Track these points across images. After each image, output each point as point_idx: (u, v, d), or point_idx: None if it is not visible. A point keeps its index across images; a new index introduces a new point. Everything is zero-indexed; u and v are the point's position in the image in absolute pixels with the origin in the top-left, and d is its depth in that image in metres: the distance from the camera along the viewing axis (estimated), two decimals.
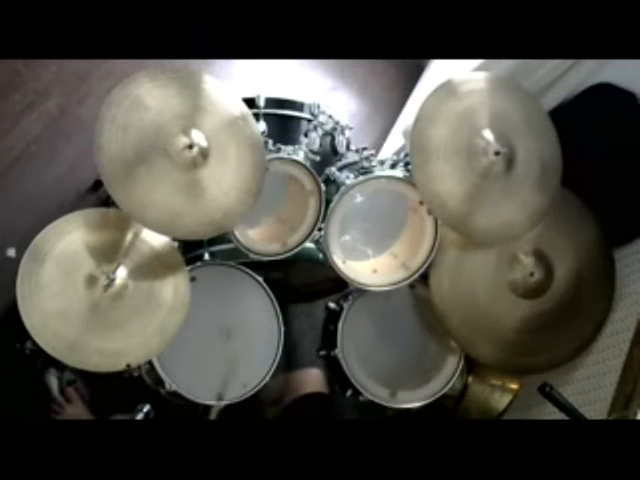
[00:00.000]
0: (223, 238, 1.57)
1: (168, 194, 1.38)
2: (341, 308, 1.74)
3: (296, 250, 1.60)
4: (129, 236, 1.48)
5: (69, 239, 1.45)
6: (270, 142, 1.55)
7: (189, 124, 1.39)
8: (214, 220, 1.44)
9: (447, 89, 1.47)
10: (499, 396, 1.82)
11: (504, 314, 1.60)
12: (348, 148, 1.76)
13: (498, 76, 1.53)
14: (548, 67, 1.64)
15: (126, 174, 1.34)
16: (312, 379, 1.81)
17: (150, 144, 1.36)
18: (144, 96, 1.36)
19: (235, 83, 2.30)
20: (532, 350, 1.61)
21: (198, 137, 1.38)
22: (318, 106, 1.75)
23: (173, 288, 1.51)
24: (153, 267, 1.50)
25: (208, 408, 1.62)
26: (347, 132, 1.78)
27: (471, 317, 1.61)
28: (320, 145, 1.68)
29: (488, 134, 1.46)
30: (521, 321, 1.60)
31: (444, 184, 1.46)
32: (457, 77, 1.48)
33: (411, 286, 1.71)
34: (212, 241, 1.64)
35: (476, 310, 1.60)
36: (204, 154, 1.39)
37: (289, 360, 1.81)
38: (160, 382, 1.57)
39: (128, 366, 1.45)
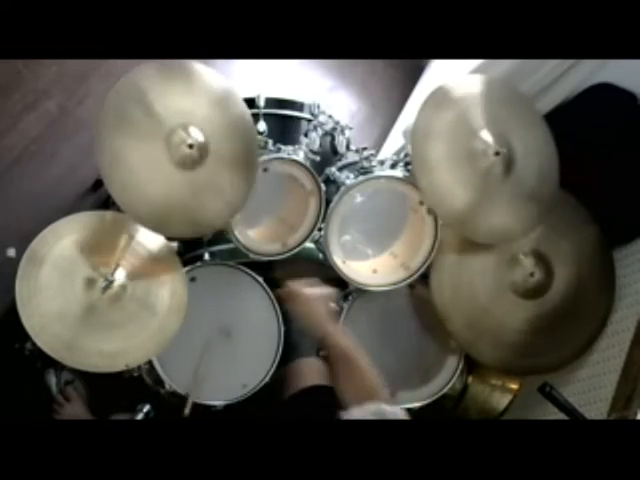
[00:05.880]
0: (223, 238, 1.57)
1: (165, 190, 1.38)
2: (341, 308, 1.74)
3: (296, 250, 1.60)
4: (126, 238, 1.48)
5: (67, 241, 1.45)
6: (270, 142, 1.55)
7: (186, 120, 1.38)
8: (210, 217, 1.44)
9: (436, 100, 1.47)
10: (499, 396, 1.82)
11: (506, 315, 1.60)
12: (348, 148, 1.76)
13: (487, 78, 1.53)
14: (548, 67, 1.64)
15: (124, 169, 1.34)
16: (312, 371, 1.79)
17: (149, 141, 1.36)
18: (146, 91, 1.37)
19: (235, 83, 2.29)
20: (535, 351, 1.61)
21: (196, 134, 1.38)
22: (318, 106, 1.75)
23: (171, 290, 1.51)
24: (151, 269, 1.51)
25: (208, 407, 1.62)
26: (347, 132, 1.78)
27: (473, 319, 1.61)
28: (320, 145, 1.68)
29: (486, 136, 1.46)
30: (523, 322, 1.60)
31: (449, 193, 1.47)
32: (444, 85, 1.48)
33: (411, 286, 1.71)
34: (212, 241, 1.64)
35: (478, 312, 1.60)
36: (203, 152, 1.39)
37: (289, 360, 1.81)
38: (160, 382, 1.57)
39: (127, 367, 1.45)
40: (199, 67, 1.45)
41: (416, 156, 1.47)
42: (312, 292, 1.38)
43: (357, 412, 1.10)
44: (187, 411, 1.54)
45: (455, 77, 1.55)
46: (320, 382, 1.72)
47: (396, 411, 1.10)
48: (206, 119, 1.42)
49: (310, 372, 1.77)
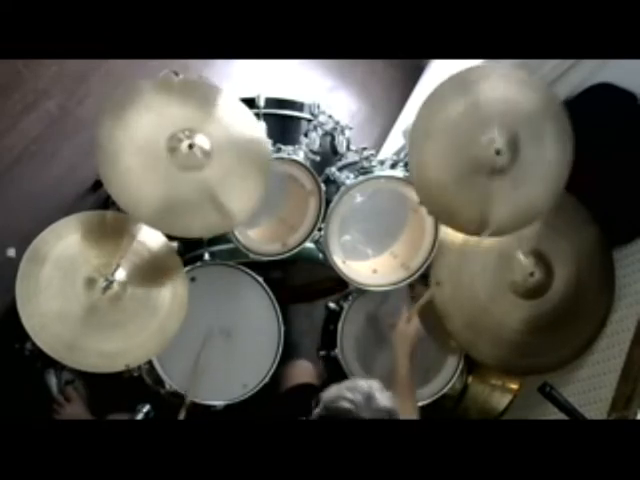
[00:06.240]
0: (223, 238, 1.57)
1: (166, 192, 1.38)
2: (341, 308, 1.74)
3: (296, 250, 1.60)
4: (127, 238, 1.48)
5: (68, 241, 1.45)
6: (270, 142, 1.55)
7: (196, 128, 1.38)
8: (211, 223, 1.44)
9: (438, 96, 1.44)
10: (499, 396, 1.82)
11: (506, 315, 1.60)
12: (348, 148, 1.76)
13: (509, 67, 1.50)
14: (548, 67, 1.64)
15: (125, 168, 1.34)
16: (300, 371, 1.81)
17: (154, 142, 1.36)
18: (152, 101, 1.37)
19: (235, 83, 2.30)
20: (534, 351, 1.61)
21: (202, 140, 1.38)
22: (318, 106, 1.75)
23: (171, 289, 1.51)
24: (151, 269, 1.50)
25: (208, 407, 1.62)
26: (347, 132, 1.78)
27: (473, 318, 1.61)
28: (320, 145, 1.68)
29: (486, 135, 1.44)
30: (523, 322, 1.60)
31: (447, 193, 1.44)
32: (449, 80, 1.44)
33: (411, 286, 1.71)
34: (212, 241, 1.64)
35: (478, 311, 1.60)
36: (206, 156, 1.39)
37: (289, 360, 1.81)
38: (160, 382, 1.57)
39: (127, 367, 1.45)
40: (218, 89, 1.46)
41: (413, 154, 1.45)
42: (418, 327, 1.59)
43: (334, 389, 1.16)
44: (184, 411, 1.54)
45: (478, 64, 1.51)
46: (306, 380, 1.74)
47: (371, 384, 1.15)
48: (214, 130, 1.42)
49: (299, 373, 1.79)
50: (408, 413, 1.45)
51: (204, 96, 1.44)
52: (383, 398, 1.13)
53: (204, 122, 1.40)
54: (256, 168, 1.45)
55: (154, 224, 1.44)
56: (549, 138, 1.48)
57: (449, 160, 1.44)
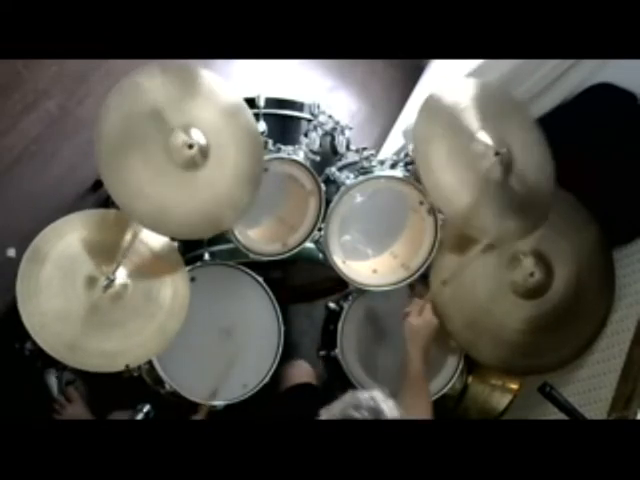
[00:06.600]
0: (223, 238, 1.57)
1: (164, 189, 1.38)
2: (341, 308, 1.74)
3: (296, 250, 1.60)
4: (129, 237, 1.48)
5: (69, 240, 1.45)
6: (270, 142, 1.55)
7: (188, 122, 1.38)
8: (210, 217, 1.44)
9: (429, 108, 1.45)
10: (499, 396, 1.82)
11: (506, 315, 1.60)
12: (348, 148, 1.76)
13: (478, 81, 1.53)
14: (548, 67, 1.64)
15: (122, 164, 1.34)
16: (299, 371, 1.81)
17: (149, 140, 1.36)
18: (146, 89, 1.36)
19: (235, 83, 2.30)
20: (535, 351, 1.61)
21: (197, 135, 1.38)
22: (318, 106, 1.74)
23: (173, 289, 1.51)
24: (153, 268, 1.50)
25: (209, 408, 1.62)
26: (347, 132, 1.78)
27: (473, 319, 1.61)
28: (320, 145, 1.68)
29: (484, 137, 1.45)
30: (523, 322, 1.60)
31: (455, 194, 1.45)
32: (435, 93, 1.47)
33: (411, 286, 1.71)
34: (212, 241, 1.64)
35: (478, 312, 1.60)
36: (204, 153, 1.39)
37: (289, 360, 1.82)
38: (160, 382, 1.57)
39: (127, 367, 1.45)
40: (206, 73, 1.45)
41: (419, 160, 1.46)
42: (431, 320, 1.56)
43: (337, 409, 1.12)
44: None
45: (445, 83, 1.54)
46: (305, 380, 1.74)
47: (373, 396, 1.10)
48: (210, 122, 1.41)
49: (298, 372, 1.79)
50: (422, 409, 1.45)
51: (185, 82, 1.42)
52: (389, 409, 1.09)
53: (194, 111, 1.40)
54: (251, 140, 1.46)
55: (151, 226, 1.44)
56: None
57: (459, 169, 1.46)
